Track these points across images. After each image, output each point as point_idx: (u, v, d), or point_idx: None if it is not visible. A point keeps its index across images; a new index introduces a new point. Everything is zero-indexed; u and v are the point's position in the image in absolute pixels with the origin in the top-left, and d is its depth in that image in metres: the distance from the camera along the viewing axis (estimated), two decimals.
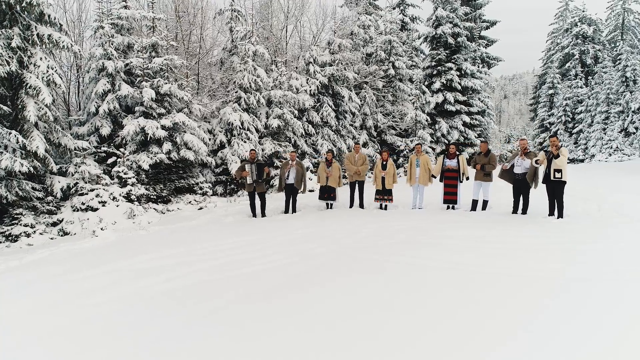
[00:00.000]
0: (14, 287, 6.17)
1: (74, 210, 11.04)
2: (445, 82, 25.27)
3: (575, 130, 49.42)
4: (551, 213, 8.29)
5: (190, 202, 12.87)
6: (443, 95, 25.14)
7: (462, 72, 25.62)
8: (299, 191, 10.92)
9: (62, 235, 10.60)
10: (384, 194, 10.68)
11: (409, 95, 22.29)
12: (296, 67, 18.03)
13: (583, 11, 57.89)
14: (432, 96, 24.62)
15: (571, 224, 7.71)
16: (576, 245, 6.36)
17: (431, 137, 23.69)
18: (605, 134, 44.45)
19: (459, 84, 25.32)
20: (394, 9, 26.66)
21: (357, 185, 10.99)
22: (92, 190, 11.18)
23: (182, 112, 13.03)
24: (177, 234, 9.23)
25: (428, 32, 26.34)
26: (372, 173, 12.99)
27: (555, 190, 8.01)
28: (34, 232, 10.14)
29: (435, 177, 10.45)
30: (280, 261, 6.81)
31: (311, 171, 15.90)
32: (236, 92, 14.90)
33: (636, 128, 43.23)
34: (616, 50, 55.10)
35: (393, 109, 21.85)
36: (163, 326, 4.47)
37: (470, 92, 25.95)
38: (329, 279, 5.65)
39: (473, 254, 6.26)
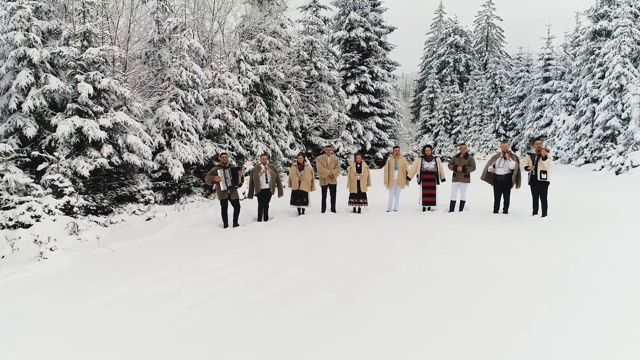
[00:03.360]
0: (11, 323, 4.90)
1: None
2: (359, 84, 25.92)
3: (453, 131, 54.15)
4: (535, 212, 8.84)
5: (134, 212, 11.41)
6: (358, 97, 25.76)
7: (374, 75, 26.49)
8: (271, 196, 10.27)
9: None
10: (359, 197, 10.51)
11: (331, 97, 22.41)
12: (225, 65, 17.01)
13: (455, 23, 63.44)
14: (347, 98, 25.09)
15: (562, 221, 8.29)
16: (587, 243, 6.82)
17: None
18: (481, 134, 49.32)
19: (372, 86, 26.15)
20: (306, 9, 26.56)
21: (329, 188, 10.67)
22: (21, 202, 9.31)
23: (120, 110, 11.49)
24: (152, 252, 8.07)
25: (342, 35, 26.75)
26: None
27: (541, 190, 8.57)
28: None
29: (410, 179, 10.55)
30: (304, 275, 6.29)
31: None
32: (172, 90, 13.59)
33: (505, 129, 48.88)
34: (482, 60, 61.72)
35: (317, 110, 21.79)
36: None
37: (382, 94, 26.95)
38: (381, 292, 5.31)
39: (495, 256, 6.37)
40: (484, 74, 53.39)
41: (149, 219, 11.18)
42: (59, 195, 9.86)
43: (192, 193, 13.74)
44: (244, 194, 11.51)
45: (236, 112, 15.53)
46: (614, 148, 14.71)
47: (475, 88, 52.17)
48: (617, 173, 13.84)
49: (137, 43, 14.76)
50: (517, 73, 50.33)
